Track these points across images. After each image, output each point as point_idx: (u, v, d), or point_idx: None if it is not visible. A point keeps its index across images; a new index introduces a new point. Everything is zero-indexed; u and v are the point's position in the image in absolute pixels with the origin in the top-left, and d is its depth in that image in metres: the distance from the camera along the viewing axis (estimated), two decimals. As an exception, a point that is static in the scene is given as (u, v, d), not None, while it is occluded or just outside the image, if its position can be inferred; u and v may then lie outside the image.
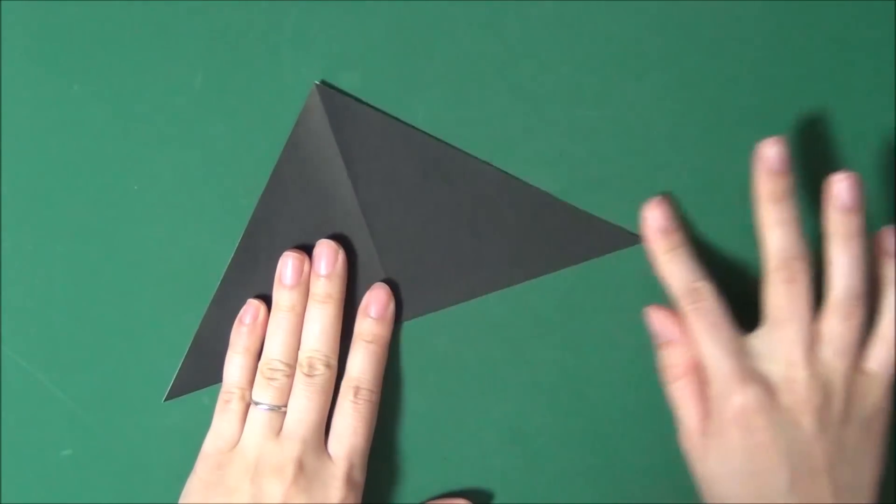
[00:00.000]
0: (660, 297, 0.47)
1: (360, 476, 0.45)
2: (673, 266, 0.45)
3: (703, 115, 0.47)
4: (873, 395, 0.44)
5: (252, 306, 0.46)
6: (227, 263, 0.47)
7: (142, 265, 0.47)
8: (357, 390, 0.45)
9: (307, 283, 0.46)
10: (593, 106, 0.47)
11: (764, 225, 0.44)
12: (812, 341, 0.43)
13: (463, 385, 0.48)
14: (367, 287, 0.47)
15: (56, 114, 0.47)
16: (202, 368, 0.47)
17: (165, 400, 0.47)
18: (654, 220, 0.46)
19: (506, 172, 0.47)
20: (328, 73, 0.46)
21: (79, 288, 0.47)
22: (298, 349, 0.45)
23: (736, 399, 0.42)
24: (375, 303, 0.46)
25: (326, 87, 0.46)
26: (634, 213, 0.47)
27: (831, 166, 0.47)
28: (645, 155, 0.47)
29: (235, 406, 0.45)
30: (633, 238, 0.47)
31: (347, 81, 0.47)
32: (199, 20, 0.46)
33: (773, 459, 0.42)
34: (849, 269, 0.43)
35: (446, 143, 0.47)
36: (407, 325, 0.47)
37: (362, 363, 0.45)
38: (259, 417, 0.45)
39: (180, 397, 0.47)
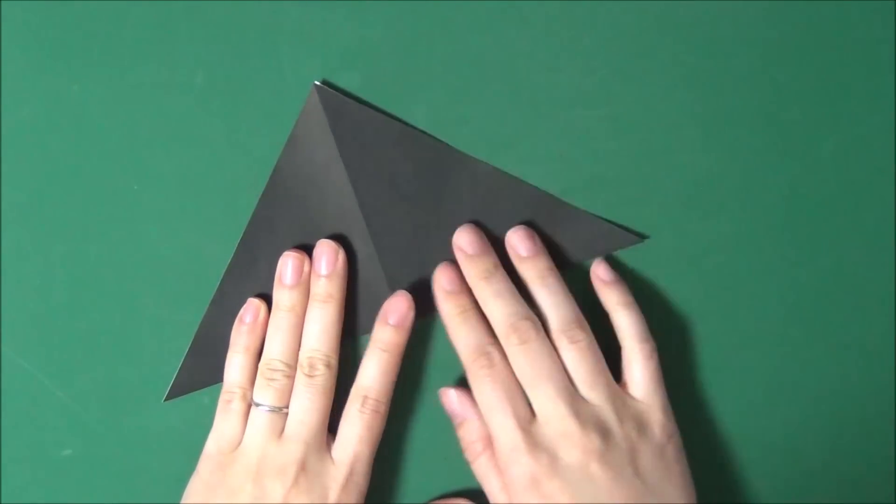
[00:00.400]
0: (661, 295, 0.47)
1: (362, 482, 0.45)
2: (464, 329, 0.45)
3: (703, 114, 0.47)
4: (653, 421, 0.44)
5: (252, 305, 0.46)
6: (227, 263, 0.47)
7: (142, 265, 0.47)
8: (365, 399, 0.45)
9: (307, 283, 0.46)
10: (593, 106, 0.47)
11: (483, 302, 0.45)
12: (569, 388, 0.43)
13: (462, 385, 0.48)
14: (367, 287, 0.47)
15: (56, 114, 0.47)
16: (202, 368, 0.47)
17: (165, 400, 0.47)
18: (443, 282, 0.45)
19: (505, 172, 0.47)
20: (328, 73, 0.46)
21: (79, 288, 0.47)
22: (299, 349, 0.45)
23: (523, 467, 0.42)
24: (395, 311, 0.45)
25: (326, 88, 0.46)
26: (634, 213, 0.47)
27: (832, 166, 0.47)
28: (645, 155, 0.47)
29: (237, 406, 0.45)
30: (633, 238, 0.47)
31: (347, 81, 0.47)
32: (199, 20, 0.46)
33: None
34: (553, 301, 0.44)
35: (446, 144, 0.47)
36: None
37: (374, 372, 0.45)
38: (261, 419, 0.44)
39: (180, 397, 0.47)
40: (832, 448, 0.48)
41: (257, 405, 0.45)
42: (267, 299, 0.46)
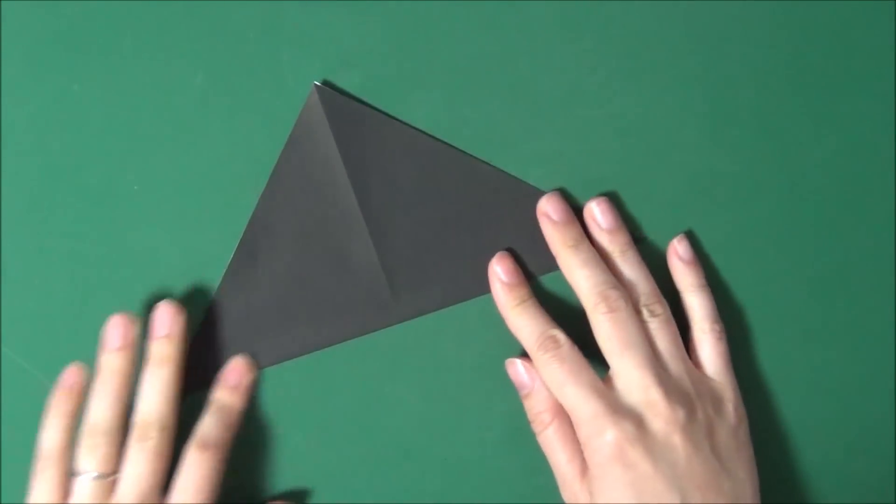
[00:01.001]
0: (662, 293, 0.47)
1: None
2: (524, 318, 0.45)
3: (703, 114, 0.47)
4: (727, 400, 0.44)
5: (72, 372, 0.45)
6: (227, 263, 0.47)
7: (142, 265, 0.47)
8: (205, 446, 0.44)
9: (135, 346, 0.45)
10: (593, 106, 0.47)
11: (569, 270, 0.45)
12: (654, 359, 0.43)
13: (463, 385, 0.48)
14: (367, 288, 0.47)
15: (56, 114, 0.47)
16: (200, 369, 0.47)
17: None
18: (500, 273, 0.46)
19: (505, 172, 0.47)
20: (328, 72, 0.46)
21: (79, 288, 0.47)
22: (124, 412, 0.44)
23: (608, 436, 0.42)
24: (233, 372, 0.46)
25: (326, 88, 0.46)
26: (634, 213, 0.47)
27: (832, 166, 0.47)
28: (644, 155, 0.47)
29: (52, 475, 0.43)
30: (633, 236, 0.47)
31: (347, 82, 0.47)
32: (199, 20, 0.46)
33: (659, 488, 0.41)
34: (634, 275, 0.45)
35: (446, 143, 0.47)
36: (407, 326, 0.47)
37: (211, 424, 0.44)
38: (84, 488, 0.43)
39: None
40: (831, 448, 0.48)
41: (80, 473, 0.43)
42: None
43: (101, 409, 0.44)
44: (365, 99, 0.46)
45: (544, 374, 0.44)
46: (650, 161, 0.47)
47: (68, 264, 0.47)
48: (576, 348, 0.44)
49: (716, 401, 0.44)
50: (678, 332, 0.45)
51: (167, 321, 0.45)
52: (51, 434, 0.44)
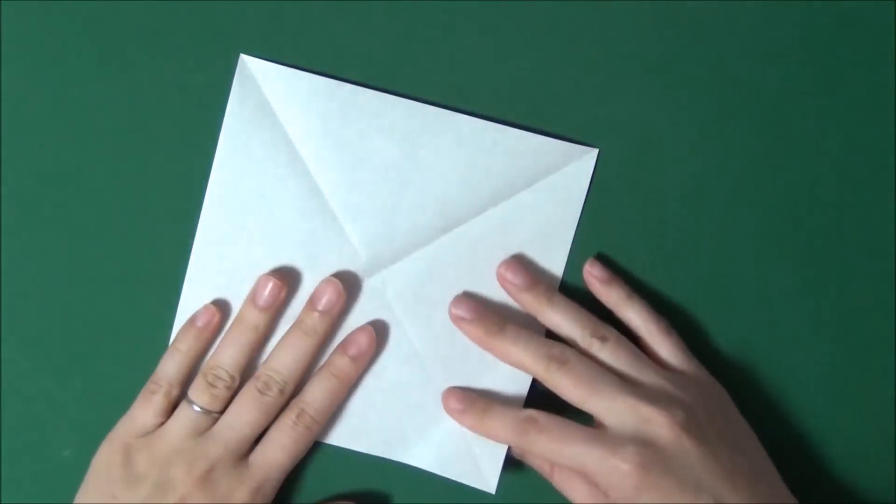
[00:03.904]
0: (661, 295, 0.47)
1: (270, 492, 0.45)
2: (519, 345, 0.45)
3: (704, 114, 0.47)
4: (705, 383, 0.45)
5: (207, 311, 0.46)
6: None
7: (142, 265, 0.47)
8: (301, 413, 0.45)
9: (278, 309, 0.46)
10: (594, 105, 0.47)
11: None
12: (624, 382, 0.43)
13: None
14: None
15: (56, 114, 0.47)
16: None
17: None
18: (461, 313, 0.46)
19: (455, 111, 0.46)
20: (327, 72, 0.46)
21: (78, 288, 0.47)
22: (246, 365, 0.45)
23: (623, 468, 0.41)
24: (355, 343, 0.46)
25: (254, 58, 0.46)
26: (634, 213, 0.47)
27: (832, 166, 0.47)
28: (645, 155, 0.47)
29: (158, 400, 0.45)
30: (583, 149, 0.46)
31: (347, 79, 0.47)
32: (200, 20, 0.46)
33: (689, 498, 0.41)
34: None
35: (390, 91, 0.46)
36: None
37: (318, 390, 0.45)
38: (188, 415, 0.44)
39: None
40: (832, 446, 0.48)
41: (189, 402, 0.45)
42: (224, 304, 0.46)
43: (230, 354, 0.45)
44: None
45: (535, 452, 0.44)
46: (650, 161, 0.47)
47: (68, 264, 0.47)
48: (552, 415, 0.43)
49: (698, 389, 0.44)
50: (634, 346, 0.45)
51: (332, 299, 0.45)
52: (169, 365, 0.45)
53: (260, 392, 0.44)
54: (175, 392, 0.45)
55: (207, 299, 0.47)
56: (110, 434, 0.45)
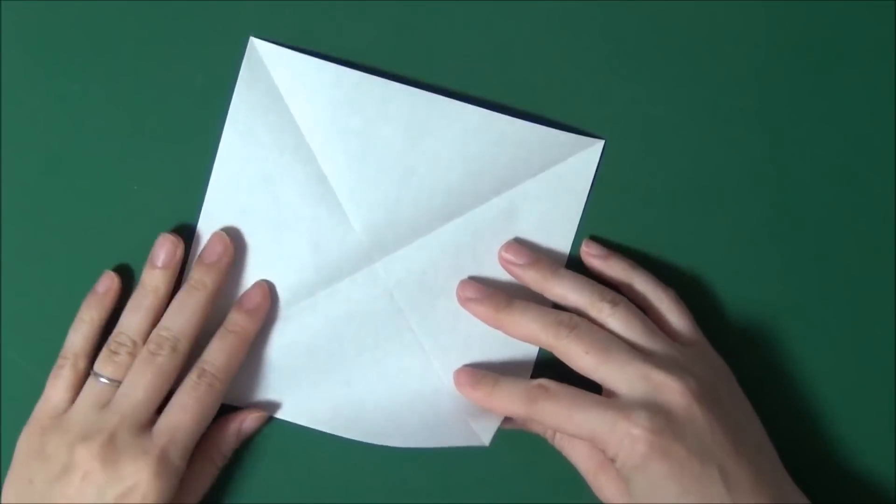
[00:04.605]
0: (667, 279, 0.47)
1: (178, 459, 0.43)
2: (525, 317, 0.44)
3: (709, 105, 0.47)
4: (711, 355, 0.45)
5: (107, 277, 0.46)
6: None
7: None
8: (202, 372, 0.44)
9: (177, 268, 0.46)
10: (594, 105, 0.47)
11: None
12: (635, 349, 0.43)
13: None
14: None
15: (56, 114, 0.47)
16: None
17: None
18: (468, 294, 0.46)
19: (461, 101, 0.46)
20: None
21: (79, 288, 0.47)
22: (149, 330, 0.45)
23: (635, 432, 0.41)
24: (250, 298, 0.46)
25: (263, 41, 0.46)
26: (634, 213, 0.47)
27: (832, 166, 0.47)
28: (644, 155, 0.47)
29: (67, 374, 0.45)
30: (589, 141, 0.46)
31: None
32: (200, 20, 0.46)
33: (696, 468, 0.41)
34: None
35: (397, 79, 0.46)
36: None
37: (217, 348, 0.45)
38: (93, 388, 0.44)
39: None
40: (831, 446, 0.48)
41: (95, 375, 0.44)
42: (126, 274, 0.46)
43: (132, 320, 0.45)
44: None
45: (544, 421, 0.43)
46: (649, 161, 0.47)
47: (68, 264, 0.47)
48: (561, 383, 0.43)
49: (706, 360, 0.45)
50: (644, 314, 0.45)
51: (217, 252, 0.45)
52: (75, 337, 0.45)
53: (152, 353, 0.44)
54: (81, 364, 0.45)
55: None
56: (29, 418, 0.45)
